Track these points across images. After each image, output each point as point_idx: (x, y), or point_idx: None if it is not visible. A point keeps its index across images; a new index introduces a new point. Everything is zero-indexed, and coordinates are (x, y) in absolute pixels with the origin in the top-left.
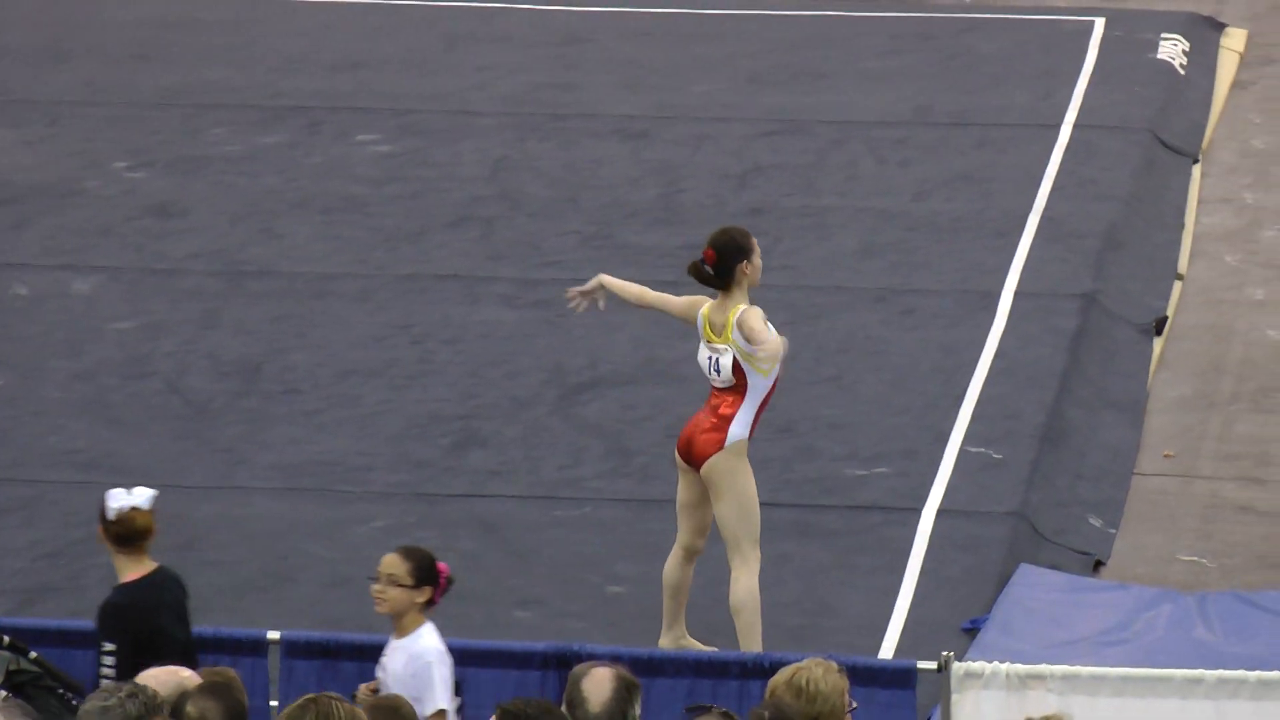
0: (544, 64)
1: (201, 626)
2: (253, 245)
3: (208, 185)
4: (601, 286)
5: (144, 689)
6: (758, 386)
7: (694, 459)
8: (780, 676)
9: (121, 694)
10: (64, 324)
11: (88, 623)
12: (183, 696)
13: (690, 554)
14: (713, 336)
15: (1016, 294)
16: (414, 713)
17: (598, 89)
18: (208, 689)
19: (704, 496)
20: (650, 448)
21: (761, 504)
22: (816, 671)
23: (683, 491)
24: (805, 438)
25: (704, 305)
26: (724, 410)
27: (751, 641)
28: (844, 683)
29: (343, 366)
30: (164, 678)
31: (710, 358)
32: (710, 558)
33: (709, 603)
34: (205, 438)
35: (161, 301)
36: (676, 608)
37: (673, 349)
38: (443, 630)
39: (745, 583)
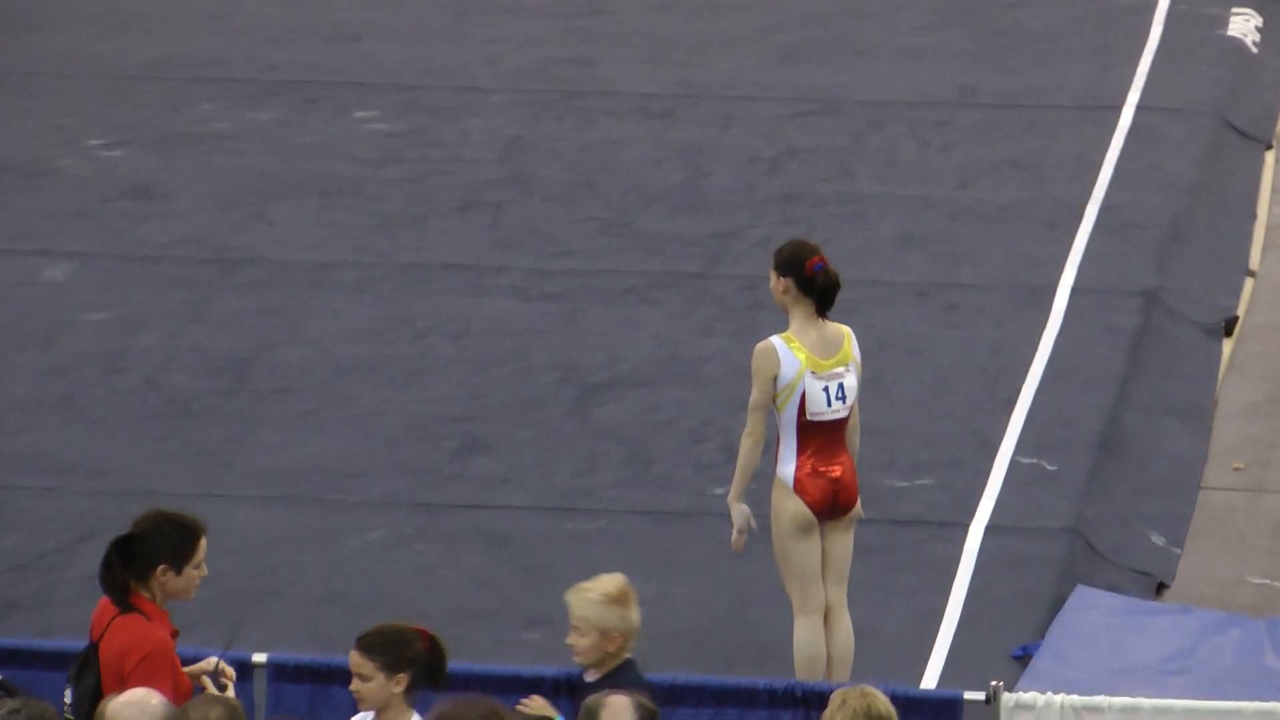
0: (559, 37)
1: (183, 647)
2: (242, 231)
3: (193, 165)
4: (746, 516)
5: (31, 704)
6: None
7: (850, 504)
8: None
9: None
10: (34, 314)
11: (59, 642)
12: (183, 709)
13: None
14: (822, 364)
15: (1071, 290)
16: None
17: (617, 64)
18: (209, 698)
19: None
20: (671, 455)
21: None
22: (881, 698)
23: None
24: None
25: (778, 345)
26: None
27: None
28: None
29: (338, 363)
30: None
31: (828, 387)
32: (738, 576)
33: (735, 625)
34: (188, 440)
35: (141, 291)
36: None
37: (696, 347)
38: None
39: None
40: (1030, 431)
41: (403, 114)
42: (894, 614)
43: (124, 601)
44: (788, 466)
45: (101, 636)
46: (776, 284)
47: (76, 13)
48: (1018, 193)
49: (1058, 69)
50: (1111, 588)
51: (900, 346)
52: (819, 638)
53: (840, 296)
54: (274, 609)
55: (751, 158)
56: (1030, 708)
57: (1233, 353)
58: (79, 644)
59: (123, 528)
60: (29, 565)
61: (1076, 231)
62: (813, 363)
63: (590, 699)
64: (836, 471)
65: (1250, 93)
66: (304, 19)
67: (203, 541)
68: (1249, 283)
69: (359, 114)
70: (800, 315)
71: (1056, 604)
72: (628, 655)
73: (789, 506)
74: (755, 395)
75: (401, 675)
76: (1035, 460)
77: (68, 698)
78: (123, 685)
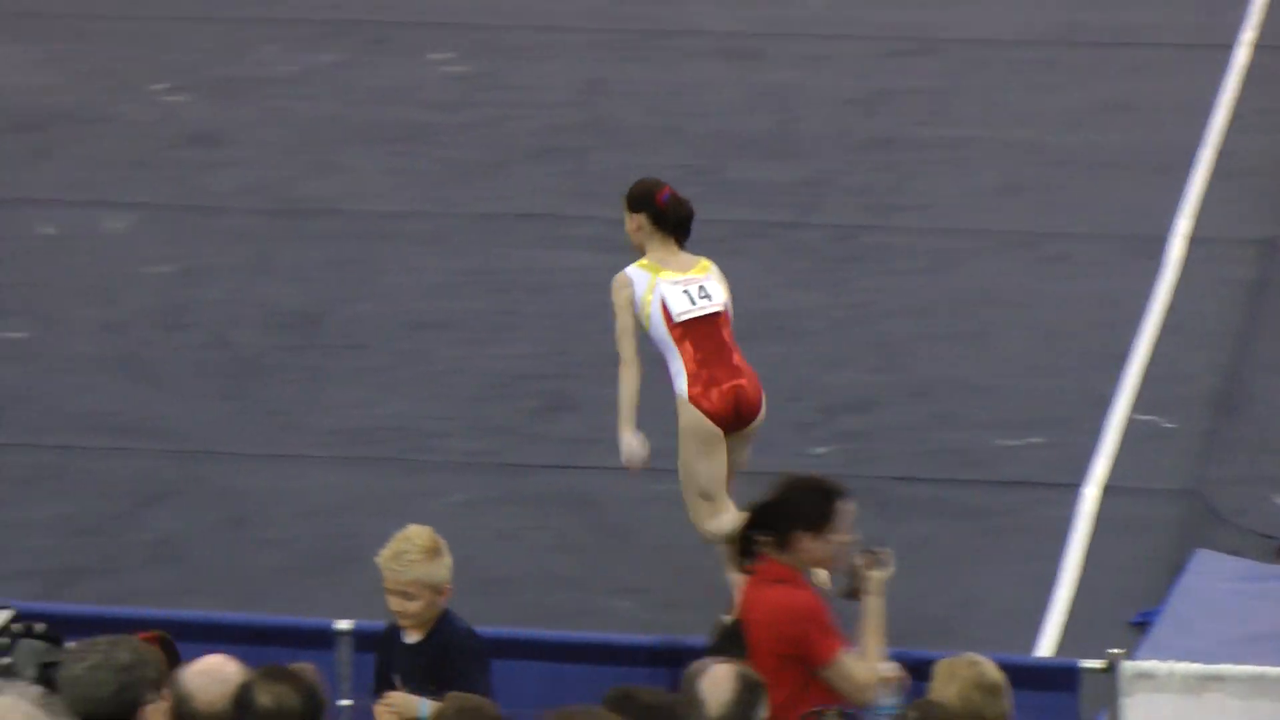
0: None
1: (256, 613)
2: (308, 180)
3: (257, 111)
4: (632, 434)
5: (127, 641)
6: None
7: (754, 412)
8: (957, 670)
9: (101, 649)
10: (95, 268)
11: (126, 609)
12: (247, 686)
13: None
14: (676, 274)
15: (1186, 240)
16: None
17: (700, 3)
18: (277, 673)
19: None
20: (768, 413)
21: (894, 478)
22: (990, 666)
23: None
24: (944, 403)
25: (630, 270)
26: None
27: None
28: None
29: (412, 318)
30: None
31: (688, 290)
32: None
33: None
34: (256, 398)
35: (205, 243)
36: None
37: (789, 300)
38: (532, 621)
39: None
40: (1145, 388)
41: (476, 55)
42: (1005, 580)
43: (759, 569)
44: (680, 381)
45: (744, 610)
46: (630, 223)
47: None
48: (1127, 137)
49: (1168, 4)
50: (1233, 552)
51: (1005, 300)
52: (728, 520)
53: (941, 247)
54: (349, 575)
55: (844, 100)
56: (1151, 676)
57: None
58: (147, 612)
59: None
60: (94, 530)
61: (1189, 178)
62: (664, 273)
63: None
64: (735, 380)
65: None
66: None
67: (842, 505)
68: None
69: (431, 55)
70: (657, 248)
71: (1176, 569)
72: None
73: (688, 418)
74: (618, 323)
75: None
76: (1151, 418)
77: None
78: (774, 655)
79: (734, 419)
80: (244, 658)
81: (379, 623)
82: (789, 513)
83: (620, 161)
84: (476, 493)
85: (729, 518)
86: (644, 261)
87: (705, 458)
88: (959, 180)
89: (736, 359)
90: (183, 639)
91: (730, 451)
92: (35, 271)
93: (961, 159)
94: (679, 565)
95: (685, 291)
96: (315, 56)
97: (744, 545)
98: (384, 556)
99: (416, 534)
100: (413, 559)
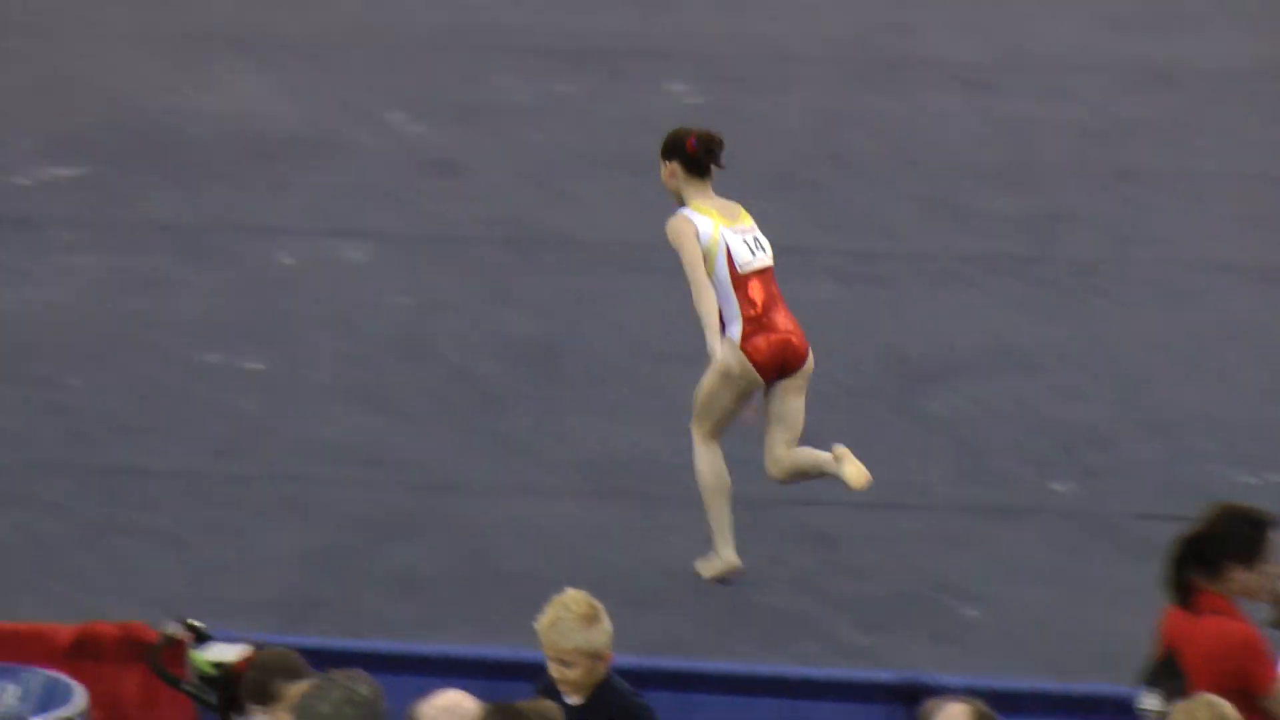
0: (875, 3)
1: (495, 647)
2: (547, 209)
3: (495, 140)
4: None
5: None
6: None
7: (798, 364)
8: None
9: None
10: (333, 298)
11: (365, 642)
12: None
13: None
14: (731, 221)
15: None
16: None
17: (937, 32)
18: (514, 710)
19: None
20: (1005, 448)
21: (1135, 515)
22: (1227, 706)
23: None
24: (1183, 438)
25: (686, 211)
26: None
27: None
28: None
29: (651, 350)
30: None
31: (745, 239)
32: (1076, 575)
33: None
34: (495, 430)
35: (444, 273)
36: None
37: (1028, 334)
38: (774, 657)
39: None
40: None
41: (713, 85)
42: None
43: (1190, 600)
44: (734, 327)
45: (1178, 642)
46: (664, 171)
47: None
48: None
49: None
50: None
51: (1246, 334)
52: (723, 464)
53: (1180, 281)
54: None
55: (1081, 131)
56: None
57: None
58: (390, 645)
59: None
60: (333, 561)
61: None
62: (723, 219)
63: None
64: (783, 328)
65: None
66: None
67: (1274, 535)
68: None
69: (668, 86)
70: (694, 193)
71: None
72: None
73: (733, 358)
74: (687, 257)
75: None
76: None
77: (1149, 704)
78: (1216, 688)
79: (778, 369)
80: (482, 693)
81: (619, 657)
82: (1220, 544)
83: (858, 192)
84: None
85: (717, 459)
86: (697, 204)
87: (732, 396)
88: (1198, 213)
89: (782, 306)
90: (421, 673)
91: (783, 399)
92: (274, 302)
93: (1200, 191)
94: (917, 602)
95: (745, 242)
96: (553, 86)
97: (1177, 578)
98: (542, 624)
99: (573, 600)
100: (570, 626)
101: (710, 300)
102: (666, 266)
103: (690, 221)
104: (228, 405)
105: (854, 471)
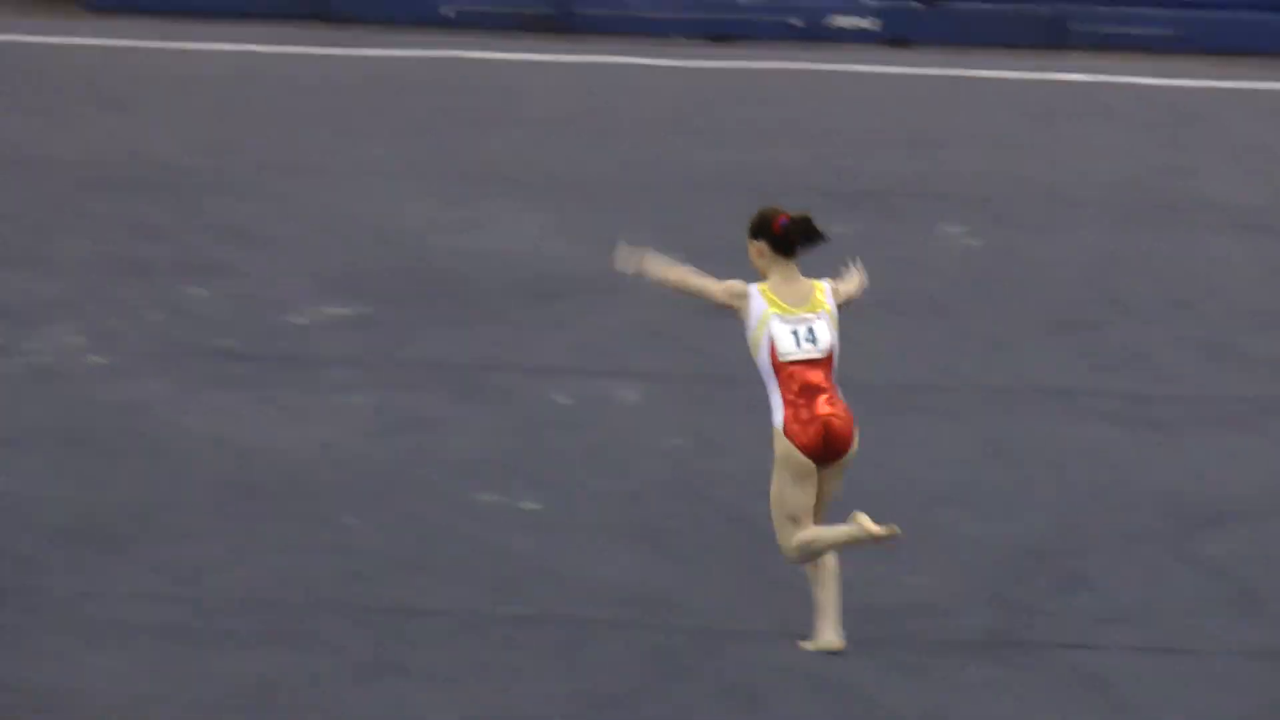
0: (1154, 145)
1: None
2: None
3: None
4: (643, 269)
5: None
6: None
7: (844, 446)
8: None
9: None
10: (609, 438)
11: None
12: None
13: None
14: (790, 310)
15: None
16: None
17: (1215, 174)
18: None
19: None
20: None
21: None
22: None
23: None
24: None
25: (750, 286)
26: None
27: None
28: None
29: (925, 491)
30: None
31: (796, 330)
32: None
33: None
34: (770, 573)
35: (719, 414)
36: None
37: None
38: None
39: None
40: None
41: (989, 227)
42: None
43: None
44: (778, 414)
45: None
46: (751, 249)
47: (644, 119)
48: None
49: None
50: None
51: None
52: (814, 543)
53: None
54: None
55: None
56: None
57: None
58: None
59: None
60: (610, 706)
61: None
62: (779, 307)
63: None
64: (826, 416)
65: None
66: (884, 127)
67: None
68: None
69: (944, 228)
70: (776, 272)
71: None
72: None
73: (782, 448)
74: (716, 287)
75: None
76: None
77: None
78: None
79: (823, 451)
80: None
81: None
82: None
83: (1134, 335)
84: (987, 670)
85: (807, 534)
86: (764, 286)
87: (795, 486)
88: None
89: (829, 397)
90: None
91: (824, 482)
92: (549, 441)
93: None
94: None
95: (794, 332)
96: (828, 226)
97: None
98: None
99: None
100: None
101: (681, 278)
102: (937, 407)
103: (746, 291)
104: (502, 545)
105: (870, 523)
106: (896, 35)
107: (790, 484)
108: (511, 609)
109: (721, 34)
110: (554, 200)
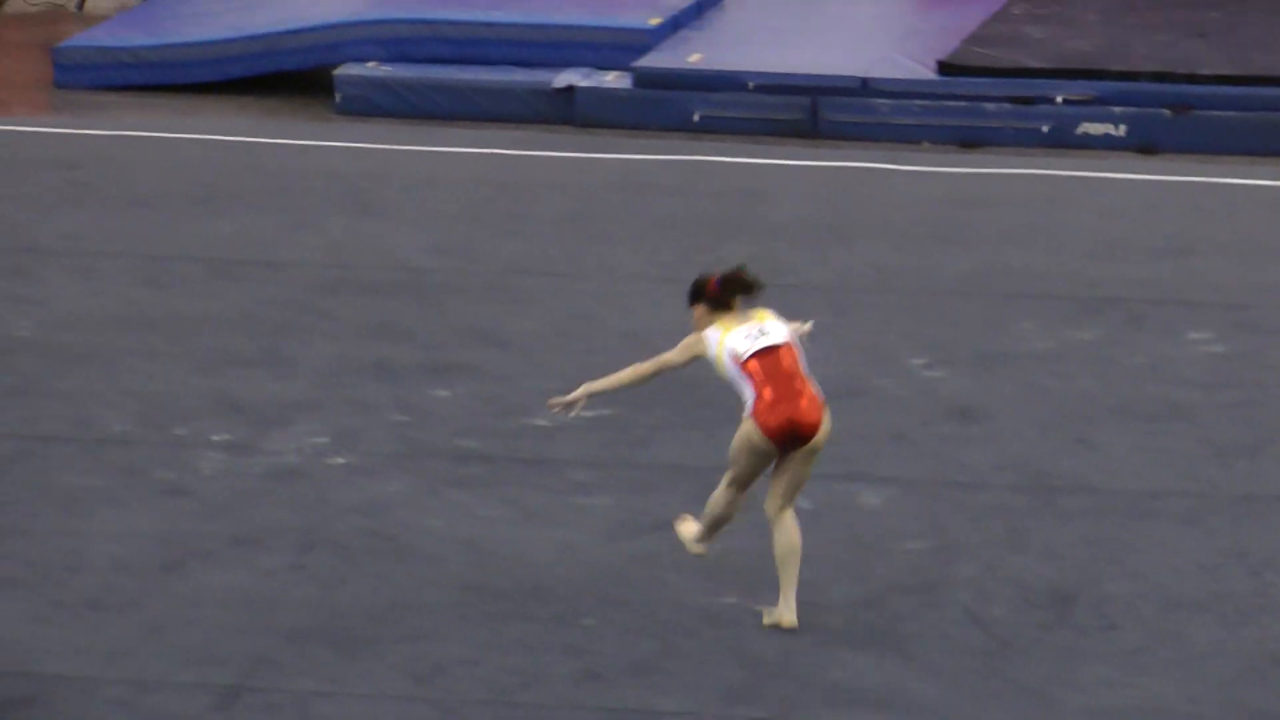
0: None
1: None
2: (1064, 456)
3: (1014, 386)
4: (587, 395)
5: None
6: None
7: (812, 430)
8: None
9: None
10: (849, 541)
11: None
12: None
13: None
14: (738, 326)
15: None
16: None
17: None
18: None
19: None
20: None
21: None
22: None
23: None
24: None
25: (708, 330)
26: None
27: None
28: None
29: (1168, 598)
30: None
31: (747, 333)
32: None
33: None
34: (1009, 677)
35: (960, 518)
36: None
37: None
38: None
39: None
40: None
41: (1236, 334)
42: None
43: None
44: (749, 403)
45: None
46: (692, 314)
47: (891, 224)
48: None
49: None
50: None
51: None
52: (735, 508)
53: None
54: None
55: None
56: None
57: None
58: None
59: None
60: None
61: None
62: (729, 328)
63: None
64: (796, 403)
65: None
66: (1128, 233)
67: None
68: None
69: (1190, 334)
70: (719, 324)
71: None
72: None
73: (746, 428)
74: (671, 353)
75: None
76: None
77: None
78: None
79: (790, 436)
80: None
81: None
82: None
83: None
84: None
85: (723, 503)
86: (715, 327)
87: (750, 460)
88: None
89: (799, 384)
90: None
91: (795, 465)
92: None
93: None
94: None
95: (745, 336)
96: (1073, 334)
97: None
98: None
99: None
100: None
101: (623, 372)
102: (1182, 514)
103: (705, 340)
104: (741, 647)
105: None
106: (1145, 142)
107: (746, 455)
108: (750, 712)
109: (970, 140)
110: (797, 304)
